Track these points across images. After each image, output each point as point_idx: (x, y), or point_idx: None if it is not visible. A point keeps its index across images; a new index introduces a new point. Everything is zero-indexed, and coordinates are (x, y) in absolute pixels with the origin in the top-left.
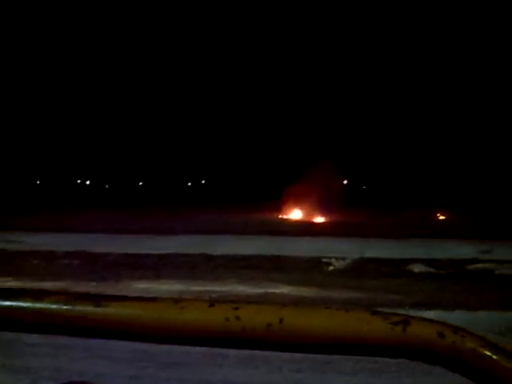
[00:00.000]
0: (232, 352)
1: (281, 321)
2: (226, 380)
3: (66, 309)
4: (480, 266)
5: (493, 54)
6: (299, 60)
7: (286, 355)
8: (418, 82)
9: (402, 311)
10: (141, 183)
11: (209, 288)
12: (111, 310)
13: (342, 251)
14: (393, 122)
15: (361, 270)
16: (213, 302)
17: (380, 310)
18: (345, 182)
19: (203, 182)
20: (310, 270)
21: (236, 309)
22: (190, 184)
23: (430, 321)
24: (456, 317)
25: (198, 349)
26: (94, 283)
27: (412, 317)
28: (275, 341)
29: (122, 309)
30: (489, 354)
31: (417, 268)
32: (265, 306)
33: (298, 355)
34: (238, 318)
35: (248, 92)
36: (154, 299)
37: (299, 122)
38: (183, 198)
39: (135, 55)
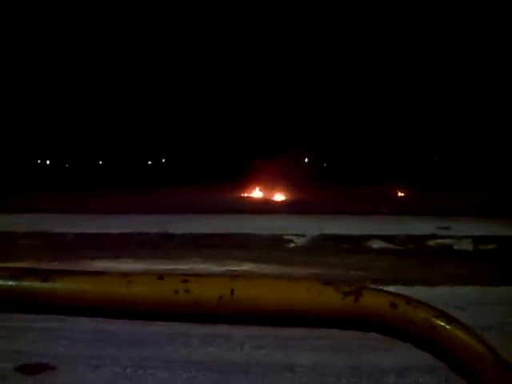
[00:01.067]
0: (194, 331)
1: (232, 292)
2: (188, 359)
3: (12, 284)
4: (439, 241)
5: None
6: (269, 42)
7: (248, 332)
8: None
9: None
10: (100, 162)
11: (170, 267)
12: (59, 285)
13: (303, 228)
14: (352, 99)
15: (321, 246)
16: (161, 275)
17: None
18: (305, 160)
19: (164, 160)
20: (271, 247)
21: (185, 281)
22: (150, 163)
23: (383, 291)
24: (416, 292)
25: (160, 328)
26: (55, 263)
27: (364, 287)
28: (227, 313)
29: (71, 283)
30: (441, 323)
31: (376, 244)
32: (215, 277)
33: (259, 332)
34: (187, 291)
35: (210, 67)
36: (102, 273)
37: (260, 102)
38: (143, 176)
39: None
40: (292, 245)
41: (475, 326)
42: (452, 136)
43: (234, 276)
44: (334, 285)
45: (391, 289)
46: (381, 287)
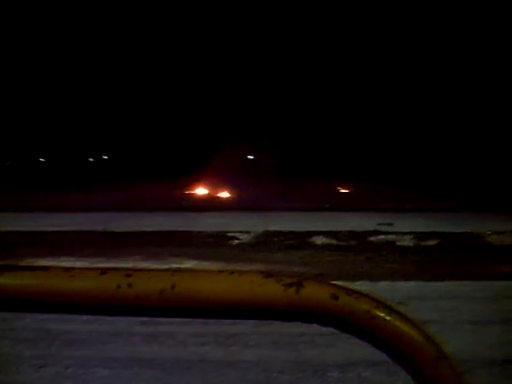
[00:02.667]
0: (137, 329)
1: (173, 286)
2: (131, 357)
3: None
4: (382, 237)
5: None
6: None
7: (191, 330)
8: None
9: None
10: (42, 159)
11: (112, 265)
12: (0, 281)
13: (247, 225)
14: (298, 94)
15: (265, 243)
16: (104, 270)
17: None
18: (250, 156)
19: (105, 157)
20: (215, 244)
21: (128, 276)
22: (91, 160)
23: (324, 283)
24: (358, 287)
25: (103, 326)
26: None
27: (306, 278)
28: (168, 307)
29: (12, 279)
30: (382, 314)
31: (319, 240)
32: (157, 271)
33: (202, 329)
34: (129, 285)
35: (151, 68)
36: (44, 268)
37: (209, 95)
38: (85, 173)
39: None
40: (236, 241)
41: (417, 320)
42: (397, 130)
43: (177, 270)
44: (276, 277)
45: None
46: None
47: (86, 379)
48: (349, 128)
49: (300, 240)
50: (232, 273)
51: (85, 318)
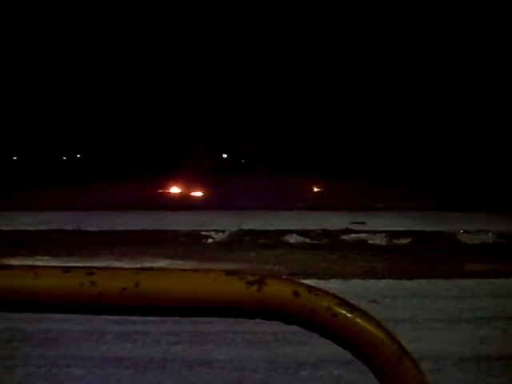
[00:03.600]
0: (110, 328)
1: (136, 285)
2: (104, 356)
3: None
4: (354, 236)
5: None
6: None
7: (165, 328)
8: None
9: None
10: (14, 158)
11: (85, 264)
12: None
13: (221, 224)
14: (268, 94)
15: (239, 242)
16: (68, 269)
17: None
18: (224, 155)
19: (78, 156)
20: (188, 243)
21: (91, 274)
22: (64, 158)
23: (286, 280)
24: (331, 285)
25: (76, 325)
26: None
27: (268, 276)
28: (132, 305)
29: None
30: (343, 312)
31: (293, 239)
32: (120, 270)
33: (176, 328)
34: (93, 284)
35: (127, 64)
36: (7, 266)
37: (180, 98)
38: (57, 172)
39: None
40: (210, 241)
41: (389, 318)
42: (368, 130)
43: (140, 269)
44: (239, 275)
45: (307, 282)
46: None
47: (59, 379)
48: (320, 127)
49: (274, 239)
50: (195, 271)
51: (57, 317)
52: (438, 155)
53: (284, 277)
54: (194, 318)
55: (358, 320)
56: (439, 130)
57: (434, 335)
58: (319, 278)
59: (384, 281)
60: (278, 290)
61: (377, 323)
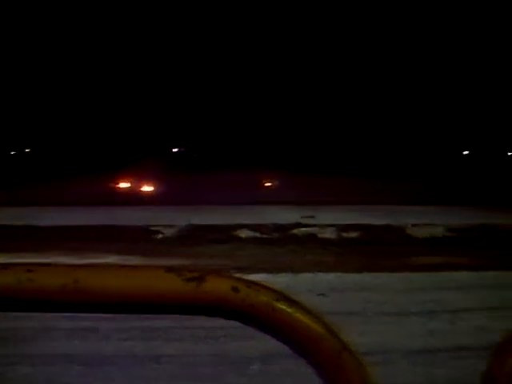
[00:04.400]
0: (60, 324)
1: (75, 281)
2: (53, 353)
3: None
4: (304, 230)
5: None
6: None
7: (114, 324)
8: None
9: None
10: None
11: (31, 260)
12: None
13: (171, 219)
14: (221, 86)
15: (189, 237)
16: (6, 265)
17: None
18: (175, 149)
19: (27, 150)
20: (138, 238)
21: (29, 271)
22: (12, 153)
23: (226, 276)
24: (280, 279)
25: (24, 323)
26: None
27: (207, 272)
28: (71, 301)
29: None
30: (282, 306)
31: (243, 233)
32: (59, 267)
33: (125, 324)
34: (31, 280)
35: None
36: None
37: (131, 89)
38: (5, 167)
39: None
40: (160, 236)
41: (338, 311)
42: (317, 122)
43: (80, 265)
44: (177, 271)
45: (257, 276)
46: (246, 276)
47: (7, 377)
48: (271, 121)
49: (224, 233)
50: (134, 268)
51: (6, 315)
52: (386, 148)
53: (234, 272)
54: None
55: (298, 315)
56: (391, 123)
57: (383, 328)
58: (269, 272)
59: (333, 274)
60: (216, 286)
61: (316, 318)
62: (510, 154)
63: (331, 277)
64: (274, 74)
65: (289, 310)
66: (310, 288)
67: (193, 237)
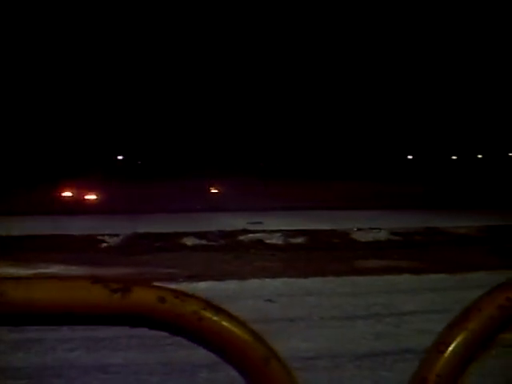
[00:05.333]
0: (4, 337)
1: (2, 294)
2: None
3: None
4: (251, 236)
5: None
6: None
7: (59, 335)
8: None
9: (175, 285)
10: None
11: None
12: None
13: (116, 228)
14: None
15: (134, 245)
16: None
17: (157, 284)
18: (120, 157)
19: None
20: (83, 248)
21: None
22: None
23: (152, 286)
24: (227, 286)
25: None
26: None
27: (133, 283)
28: None
29: None
30: (208, 315)
31: (189, 241)
32: None
33: (71, 334)
34: None
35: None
36: None
37: (73, 96)
38: None
39: None
40: (105, 245)
41: (285, 317)
42: (263, 130)
43: (5, 278)
44: (103, 282)
45: (204, 284)
46: (194, 283)
47: None
48: (216, 129)
49: (170, 242)
50: (60, 280)
51: None
52: (333, 153)
53: (181, 280)
54: None
55: (224, 323)
56: (336, 128)
57: (330, 333)
58: (216, 279)
59: (280, 280)
60: (143, 297)
61: (243, 325)
62: (454, 157)
63: (278, 282)
64: (215, 82)
65: (215, 318)
66: (258, 294)
67: (139, 245)
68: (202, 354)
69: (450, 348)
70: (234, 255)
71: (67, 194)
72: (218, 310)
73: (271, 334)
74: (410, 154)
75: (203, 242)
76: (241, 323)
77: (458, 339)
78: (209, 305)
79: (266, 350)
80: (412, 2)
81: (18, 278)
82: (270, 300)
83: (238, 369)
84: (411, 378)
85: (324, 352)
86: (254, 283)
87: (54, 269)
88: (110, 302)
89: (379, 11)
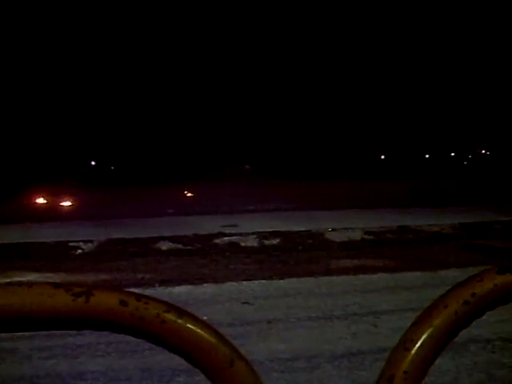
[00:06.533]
0: None
1: None
2: None
3: None
4: (226, 239)
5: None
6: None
7: (35, 343)
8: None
9: (150, 290)
10: None
11: None
12: None
13: (90, 234)
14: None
15: (109, 251)
16: None
17: (128, 289)
18: (92, 163)
19: None
20: (56, 255)
21: None
22: None
23: (114, 290)
24: (203, 290)
25: None
26: None
27: (95, 288)
28: None
29: None
30: (172, 318)
31: (164, 246)
32: None
33: (47, 342)
34: None
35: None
36: None
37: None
38: None
39: None
40: (79, 251)
41: (262, 319)
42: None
43: None
44: (65, 287)
45: (181, 288)
46: (169, 288)
47: None
48: (189, 131)
49: (144, 246)
50: (20, 285)
51: None
52: (306, 153)
53: (157, 285)
54: (64, 331)
55: (188, 325)
56: (311, 129)
57: (307, 333)
58: (191, 283)
59: (257, 282)
60: (105, 301)
61: (208, 327)
62: (427, 156)
63: (255, 285)
64: (194, 82)
65: (179, 320)
66: (234, 297)
67: (113, 251)
68: (180, 359)
69: (417, 345)
70: (210, 259)
71: (41, 200)
72: (182, 312)
73: (249, 337)
74: (382, 154)
75: (178, 246)
76: (205, 325)
77: (424, 336)
78: (172, 307)
79: (231, 352)
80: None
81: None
82: (246, 302)
83: (203, 371)
84: (379, 376)
85: (302, 353)
86: (230, 286)
87: (29, 277)
88: (73, 307)
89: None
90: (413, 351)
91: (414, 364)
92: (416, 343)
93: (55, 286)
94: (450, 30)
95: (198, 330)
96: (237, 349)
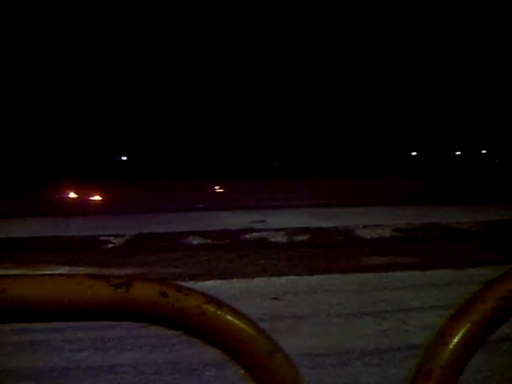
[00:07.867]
0: (8, 339)
1: (3, 291)
2: (4, 368)
3: None
4: (255, 234)
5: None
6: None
7: (67, 336)
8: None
9: (180, 284)
10: None
11: None
12: None
13: (120, 228)
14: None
15: (139, 246)
16: None
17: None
18: (124, 158)
19: None
20: (87, 249)
21: None
22: None
23: (154, 281)
24: (233, 285)
25: None
26: None
27: (135, 279)
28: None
29: None
30: (212, 309)
31: (194, 240)
32: None
33: (78, 335)
34: None
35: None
36: None
37: (72, 95)
38: None
39: None
40: (109, 245)
41: (291, 315)
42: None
43: (6, 275)
44: (105, 278)
45: (210, 283)
46: (199, 283)
47: None
48: (218, 127)
49: (174, 241)
50: (61, 276)
51: None
52: (331, 150)
53: (186, 280)
54: (95, 324)
55: (228, 317)
56: (340, 125)
57: (337, 330)
58: (221, 278)
59: (286, 278)
60: (145, 292)
61: (247, 319)
62: (458, 153)
63: (284, 280)
64: (220, 81)
65: (219, 312)
66: (263, 292)
67: (143, 246)
68: (210, 353)
69: (454, 340)
70: (239, 254)
71: (72, 195)
72: (221, 304)
73: (278, 332)
74: (413, 151)
75: (207, 241)
76: (244, 317)
77: (462, 331)
78: (211, 299)
79: (270, 344)
80: (412, 2)
81: (19, 276)
82: (276, 298)
83: (241, 363)
84: (416, 371)
85: (332, 349)
86: (259, 282)
87: (60, 270)
88: (113, 298)
89: (379, 9)
90: (450, 346)
91: (452, 359)
92: (453, 338)
93: (95, 277)
94: (480, 23)
95: (237, 322)
96: (275, 341)
